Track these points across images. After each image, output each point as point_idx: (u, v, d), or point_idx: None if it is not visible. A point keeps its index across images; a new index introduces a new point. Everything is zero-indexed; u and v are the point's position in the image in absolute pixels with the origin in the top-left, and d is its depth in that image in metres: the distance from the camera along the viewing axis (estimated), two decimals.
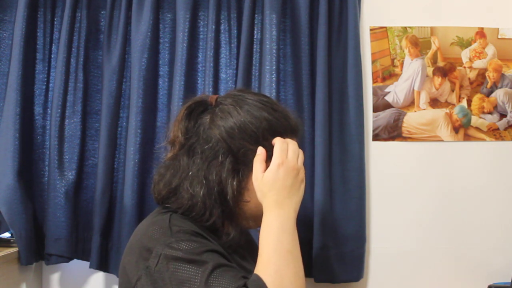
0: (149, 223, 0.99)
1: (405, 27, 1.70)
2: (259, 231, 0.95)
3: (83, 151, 1.65)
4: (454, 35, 1.70)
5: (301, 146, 1.60)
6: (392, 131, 1.69)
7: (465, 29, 1.70)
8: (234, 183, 0.97)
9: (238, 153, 0.97)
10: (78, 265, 1.66)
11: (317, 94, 1.59)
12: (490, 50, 1.70)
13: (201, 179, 0.96)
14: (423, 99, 1.69)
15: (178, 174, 0.99)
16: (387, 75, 1.70)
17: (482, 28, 1.70)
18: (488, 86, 1.70)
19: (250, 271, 0.97)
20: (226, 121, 0.98)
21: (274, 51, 1.59)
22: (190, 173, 0.97)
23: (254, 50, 1.64)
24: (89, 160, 1.66)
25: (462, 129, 1.69)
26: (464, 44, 1.70)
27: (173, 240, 0.88)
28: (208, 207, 0.96)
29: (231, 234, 0.99)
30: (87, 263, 1.60)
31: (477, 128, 1.69)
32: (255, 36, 1.64)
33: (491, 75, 1.70)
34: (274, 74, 1.58)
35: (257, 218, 1.00)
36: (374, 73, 1.70)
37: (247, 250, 1.11)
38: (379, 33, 1.71)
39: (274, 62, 1.58)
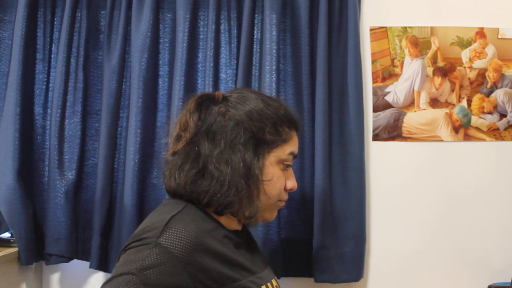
0: (152, 215, 1.01)
1: (405, 27, 1.70)
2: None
3: (83, 151, 1.65)
4: (454, 35, 1.70)
5: (300, 145, 1.62)
6: (392, 131, 1.69)
7: (465, 29, 1.70)
8: (260, 161, 1.01)
9: (258, 134, 1.02)
10: (78, 265, 1.66)
11: (317, 94, 1.59)
12: (490, 50, 1.70)
13: (226, 159, 0.99)
14: (423, 99, 1.69)
15: (201, 158, 1.00)
16: (387, 75, 1.70)
17: (482, 28, 1.70)
18: (488, 86, 1.70)
19: (255, 271, 0.99)
20: (244, 106, 1.03)
21: (274, 51, 1.59)
22: (215, 153, 0.99)
23: (254, 50, 1.64)
24: (89, 160, 1.66)
25: (462, 129, 1.69)
26: (464, 44, 1.70)
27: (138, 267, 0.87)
28: (234, 184, 0.98)
29: (252, 215, 1.01)
30: (87, 263, 1.61)
31: (477, 128, 1.69)
32: (255, 36, 1.64)
33: (491, 75, 1.70)
34: (274, 74, 1.58)
35: (273, 207, 1.06)
36: (374, 73, 1.70)
37: (251, 250, 1.11)
38: (379, 33, 1.71)
39: (274, 62, 1.59)
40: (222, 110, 1.02)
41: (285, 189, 1.08)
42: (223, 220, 1.02)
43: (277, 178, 1.04)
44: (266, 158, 1.03)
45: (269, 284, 1.02)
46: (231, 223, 1.04)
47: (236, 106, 1.03)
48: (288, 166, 1.07)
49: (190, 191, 0.99)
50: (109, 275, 1.66)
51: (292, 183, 1.08)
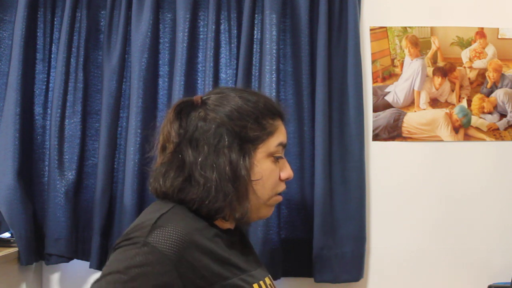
0: (143, 214, 1.01)
1: (405, 27, 1.70)
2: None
3: (83, 151, 1.65)
4: (454, 35, 1.70)
5: (300, 145, 1.62)
6: (392, 131, 1.69)
7: (465, 29, 1.70)
8: (246, 161, 0.99)
9: (241, 133, 1.00)
10: (78, 265, 1.66)
11: (317, 94, 1.59)
12: (490, 50, 1.70)
13: (211, 164, 0.97)
14: (423, 99, 1.69)
15: (186, 166, 0.99)
16: (387, 75, 1.70)
17: (482, 28, 1.70)
18: (488, 86, 1.70)
19: (246, 269, 0.99)
20: (223, 107, 1.01)
21: (274, 51, 1.59)
22: (200, 159, 0.98)
23: (254, 50, 1.64)
24: (89, 160, 1.66)
25: (462, 129, 1.69)
26: (464, 44, 1.70)
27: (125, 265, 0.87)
28: (222, 189, 0.97)
29: (243, 217, 1.00)
30: (87, 263, 1.61)
31: (477, 128, 1.69)
32: (255, 36, 1.64)
33: (491, 75, 1.70)
34: (274, 74, 1.58)
35: (262, 203, 1.04)
36: (374, 73, 1.70)
37: (243, 248, 1.11)
38: (379, 33, 1.71)
39: (274, 62, 1.58)
40: (201, 114, 1.01)
41: (280, 180, 1.07)
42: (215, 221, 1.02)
43: (270, 172, 1.03)
44: (253, 155, 1.01)
45: (261, 283, 1.02)
46: (223, 223, 1.03)
47: (215, 108, 1.01)
48: (279, 158, 1.06)
49: (178, 199, 0.99)
50: None
51: (287, 173, 1.07)
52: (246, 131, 1.00)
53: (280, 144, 1.05)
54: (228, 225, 1.05)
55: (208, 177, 0.97)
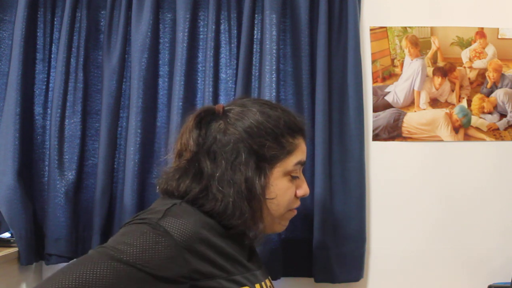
0: (151, 207, 1.01)
1: (405, 27, 1.70)
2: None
3: (83, 151, 1.65)
4: (454, 35, 1.70)
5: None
6: (392, 131, 1.69)
7: (465, 29, 1.70)
8: (262, 179, 0.99)
9: (259, 151, 0.99)
10: None
11: (317, 94, 1.59)
12: (490, 50, 1.70)
13: (228, 180, 0.97)
14: (423, 99, 1.69)
15: (203, 177, 0.99)
16: (387, 75, 1.70)
17: (482, 28, 1.70)
18: (488, 86, 1.70)
19: (250, 268, 1.00)
20: (243, 122, 1.00)
21: (274, 51, 1.58)
22: (217, 174, 0.97)
23: (254, 50, 1.64)
24: (89, 160, 1.66)
25: (462, 129, 1.69)
26: (464, 44, 1.70)
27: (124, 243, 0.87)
28: (238, 207, 0.96)
29: (257, 236, 1.01)
30: None
31: (477, 128, 1.69)
32: (255, 36, 1.64)
33: (491, 75, 1.70)
34: (274, 74, 1.58)
35: (283, 218, 1.04)
36: (374, 73, 1.70)
37: (248, 248, 1.11)
38: (379, 33, 1.71)
39: (274, 62, 1.58)
40: (221, 127, 1.00)
41: (296, 196, 1.06)
42: None
43: (285, 191, 1.03)
44: (270, 174, 1.00)
45: (263, 284, 1.02)
46: None
47: (235, 123, 1.00)
48: (295, 177, 1.05)
49: (197, 203, 0.99)
50: None
51: (303, 191, 1.07)
52: (264, 150, 1.00)
53: (299, 163, 1.04)
54: None
55: (226, 193, 0.96)
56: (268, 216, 1.03)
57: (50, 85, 1.68)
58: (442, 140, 1.69)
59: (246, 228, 0.99)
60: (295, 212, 1.09)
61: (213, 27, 1.61)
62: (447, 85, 1.70)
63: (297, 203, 1.08)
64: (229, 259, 0.96)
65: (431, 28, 1.70)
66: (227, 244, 0.97)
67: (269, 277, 1.10)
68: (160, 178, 1.05)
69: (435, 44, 1.70)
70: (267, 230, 1.06)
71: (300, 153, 1.06)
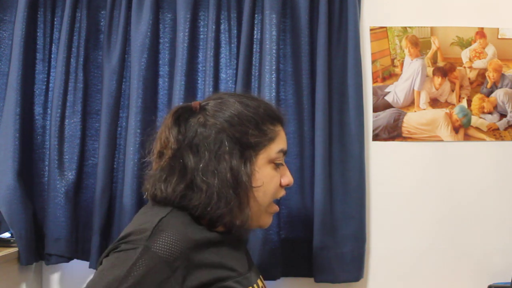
0: (140, 216, 1.00)
1: (405, 27, 1.70)
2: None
3: (83, 151, 1.65)
4: (454, 35, 1.70)
5: (300, 144, 1.61)
6: (392, 131, 1.69)
7: (465, 29, 1.70)
8: (248, 167, 0.99)
9: (242, 139, 1.00)
10: (78, 265, 1.66)
11: (317, 94, 1.59)
12: (490, 50, 1.70)
13: (212, 170, 0.97)
14: (423, 99, 1.69)
15: (187, 171, 0.98)
16: (387, 75, 1.70)
17: (482, 28, 1.70)
18: (488, 86, 1.70)
19: (242, 272, 1.00)
20: (223, 113, 1.01)
21: (274, 51, 1.58)
22: (201, 165, 0.97)
23: (254, 50, 1.64)
24: (89, 160, 1.66)
25: (462, 129, 1.69)
26: (464, 44, 1.70)
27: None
28: (223, 196, 0.96)
29: (243, 224, 1.00)
30: (87, 263, 1.61)
31: (477, 128, 1.69)
32: (255, 36, 1.64)
33: (491, 75, 1.70)
34: (274, 74, 1.58)
35: (263, 210, 1.04)
36: (374, 73, 1.70)
37: (238, 250, 1.11)
38: (379, 33, 1.71)
39: (274, 62, 1.58)
40: (201, 120, 1.00)
41: (280, 186, 1.07)
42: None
43: (270, 178, 1.03)
44: (254, 161, 1.01)
45: (255, 285, 1.02)
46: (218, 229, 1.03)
47: (214, 114, 1.00)
48: (279, 164, 1.05)
49: (180, 205, 0.98)
50: None
51: (287, 179, 1.07)
52: (247, 137, 1.00)
53: (281, 151, 1.05)
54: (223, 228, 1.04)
55: (210, 183, 0.96)
56: (255, 205, 1.02)
57: (50, 85, 1.68)
58: (442, 140, 1.69)
59: (233, 216, 0.98)
60: (277, 208, 1.10)
61: (213, 27, 1.61)
62: (447, 85, 1.70)
63: (282, 192, 1.08)
64: (220, 266, 0.96)
65: (431, 28, 1.70)
66: (216, 250, 0.98)
67: (260, 276, 1.10)
68: (146, 184, 1.04)
69: (435, 44, 1.70)
70: (254, 223, 1.05)
71: (282, 141, 1.06)
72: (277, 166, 1.05)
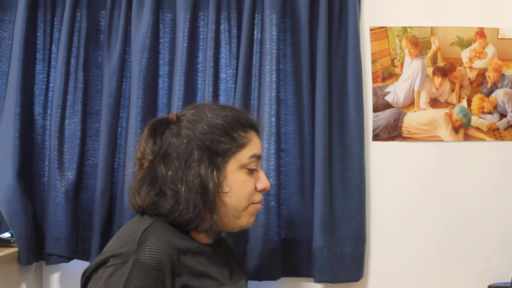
0: (126, 229, 1.04)
1: (405, 27, 1.70)
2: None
3: (83, 151, 1.65)
4: (454, 35, 1.70)
5: (300, 144, 1.61)
6: (392, 131, 1.69)
7: (465, 29, 1.70)
8: (214, 173, 1.02)
9: (211, 146, 1.03)
10: (78, 265, 1.66)
11: (317, 94, 1.59)
12: (490, 50, 1.70)
13: (180, 177, 1.01)
14: (423, 99, 1.69)
15: (158, 180, 1.03)
16: (387, 75, 1.70)
17: (482, 28, 1.70)
18: (488, 86, 1.70)
19: (224, 282, 1.04)
20: (195, 124, 1.05)
21: (274, 51, 1.58)
22: (170, 173, 1.01)
23: (254, 50, 1.64)
24: (89, 160, 1.66)
25: (462, 129, 1.69)
26: (464, 44, 1.70)
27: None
28: (191, 201, 1.00)
29: (212, 228, 1.04)
30: (87, 263, 1.60)
31: (477, 128, 1.69)
32: (255, 36, 1.64)
33: (491, 75, 1.70)
34: (274, 74, 1.58)
35: (240, 213, 1.07)
36: (374, 73, 1.70)
37: (226, 262, 1.14)
38: (379, 33, 1.71)
39: (274, 62, 1.58)
40: (175, 131, 1.04)
41: (257, 190, 1.09)
42: (191, 233, 1.05)
43: (242, 184, 1.06)
44: (224, 168, 1.04)
45: None
46: (199, 237, 1.07)
47: (187, 125, 1.05)
48: (253, 170, 1.08)
49: (153, 213, 1.02)
50: None
51: (262, 184, 1.09)
52: (215, 145, 1.03)
53: (254, 156, 1.07)
54: (205, 239, 1.08)
55: (178, 189, 1.00)
56: (224, 209, 1.05)
57: (50, 85, 1.68)
58: (442, 140, 1.69)
59: (201, 220, 1.02)
60: (260, 206, 1.12)
61: (213, 27, 1.61)
62: (447, 85, 1.70)
63: (259, 197, 1.11)
64: (201, 275, 0.99)
65: (431, 28, 1.70)
66: (198, 260, 1.01)
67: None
68: (129, 195, 1.09)
69: (435, 44, 1.70)
70: (233, 225, 1.08)
71: (254, 147, 1.09)
72: (250, 171, 1.07)
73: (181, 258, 0.97)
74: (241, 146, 1.06)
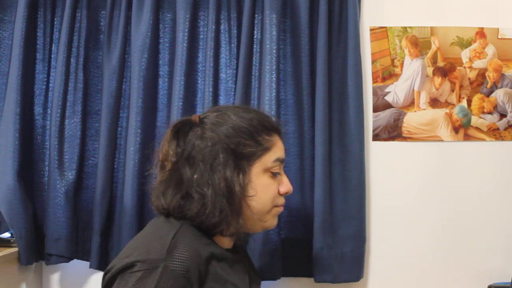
0: (152, 232, 1.03)
1: (405, 27, 1.70)
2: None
3: (83, 151, 1.65)
4: (454, 35, 1.70)
5: (300, 144, 1.61)
6: (392, 131, 1.69)
7: (465, 29, 1.70)
8: (240, 177, 1.01)
9: (236, 150, 1.02)
10: (78, 265, 1.66)
11: (317, 94, 1.59)
12: (490, 50, 1.70)
13: (206, 180, 1.00)
14: (423, 99, 1.69)
15: (183, 183, 1.02)
16: (387, 75, 1.70)
17: (482, 28, 1.70)
18: (488, 86, 1.70)
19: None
20: (220, 126, 1.04)
21: (274, 51, 1.58)
22: (196, 176, 1.00)
23: (254, 50, 1.64)
24: (89, 160, 1.66)
25: (462, 129, 1.69)
26: (464, 44, 1.70)
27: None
28: (218, 205, 0.99)
29: (237, 231, 1.04)
30: (87, 263, 1.61)
31: (477, 128, 1.69)
32: (255, 36, 1.64)
33: (491, 75, 1.70)
34: (274, 74, 1.58)
35: (263, 216, 1.06)
36: (374, 73, 1.70)
37: (245, 268, 1.14)
38: (379, 33, 1.71)
39: (274, 62, 1.58)
40: (199, 133, 1.03)
41: (279, 194, 1.09)
42: (215, 238, 1.05)
43: (266, 187, 1.06)
44: (249, 171, 1.04)
45: None
46: (223, 241, 1.06)
47: (211, 127, 1.04)
48: (276, 173, 1.08)
49: (179, 216, 1.02)
50: None
51: (285, 188, 1.09)
52: (241, 148, 1.03)
53: (277, 160, 1.07)
54: (228, 244, 1.08)
55: (204, 193, 0.99)
56: (250, 212, 1.05)
57: (50, 85, 1.68)
58: (442, 140, 1.69)
59: (227, 224, 1.01)
60: (282, 208, 1.12)
61: (213, 27, 1.61)
62: (447, 85, 1.70)
63: (282, 200, 1.11)
64: (224, 282, 0.99)
65: (431, 28, 1.70)
66: (222, 267, 1.01)
67: None
68: (151, 196, 1.08)
69: (435, 44, 1.70)
70: (257, 226, 1.08)
71: (278, 150, 1.08)
72: (274, 175, 1.07)
73: (207, 265, 0.97)
74: (266, 149, 1.06)
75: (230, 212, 1.00)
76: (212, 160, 1.01)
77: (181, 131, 1.05)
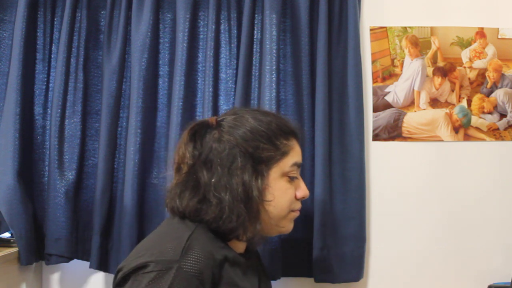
0: (166, 232, 1.02)
1: (405, 27, 1.70)
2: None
3: (83, 151, 1.65)
4: (454, 35, 1.70)
5: (301, 145, 1.61)
6: (392, 131, 1.69)
7: (465, 29, 1.70)
8: (258, 181, 1.00)
9: (254, 153, 1.01)
10: (78, 265, 1.66)
11: (317, 94, 1.59)
12: (490, 50, 1.70)
13: (224, 185, 0.99)
14: (423, 99, 1.69)
15: (200, 186, 1.00)
16: (387, 75, 1.70)
17: (482, 28, 1.70)
18: (488, 86, 1.70)
19: None
20: (237, 128, 1.03)
21: (274, 51, 1.58)
22: (213, 180, 0.99)
23: (254, 50, 1.64)
24: (89, 160, 1.66)
25: (462, 129, 1.69)
26: (464, 44, 1.70)
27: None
28: (235, 210, 0.98)
29: (254, 237, 1.03)
30: (87, 263, 1.61)
31: (477, 128, 1.69)
32: (255, 36, 1.64)
33: (491, 75, 1.70)
34: (274, 74, 1.58)
35: (280, 221, 1.06)
36: (374, 73, 1.70)
37: (258, 273, 1.14)
38: (379, 33, 1.71)
39: (274, 62, 1.58)
40: (216, 136, 1.02)
41: (296, 198, 1.08)
42: (230, 242, 1.04)
43: (284, 192, 1.05)
44: (267, 175, 1.03)
45: None
46: (237, 246, 1.06)
47: (229, 130, 1.03)
48: (293, 178, 1.07)
49: (195, 219, 1.01)
50: (109, 275, 1.68)
51: (302, 192, 1.09)
52: (259, 152, 1.02)
53: (295, 164, 1.07)
54: (241, 247, 1.07)
55: (222, 197, 0.98)
56: (266, 218, 1.04)
57: (50, 85, 1.68)
58: (442, 140, 1.69)
59: (244, 229, 1.00)
60: (298, 213, 1.11)
61: (213, 27, 1.61)
62: (447, 85, 1.70)
63: (298, 205, 1.10)
64: (236, 286, 0.98)
65: (431, 28, 1.70)
66: (235, 271, 1.00)
67: None
68: (166, 198, 1.07)
69: (435, 44, 1.70)
70: (273, 231, 1.08)
71: (296, 154, 1.08)
72: (291, 179, 1.07)
73: (220, 269, 0.96)
74: (284, 154, 1.05)
75: (248, 217, 0.99)
76: (230, 164, 0.99)
77: (198, 133, 1.04)
